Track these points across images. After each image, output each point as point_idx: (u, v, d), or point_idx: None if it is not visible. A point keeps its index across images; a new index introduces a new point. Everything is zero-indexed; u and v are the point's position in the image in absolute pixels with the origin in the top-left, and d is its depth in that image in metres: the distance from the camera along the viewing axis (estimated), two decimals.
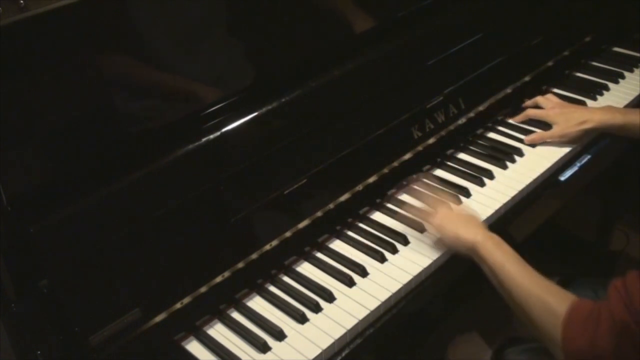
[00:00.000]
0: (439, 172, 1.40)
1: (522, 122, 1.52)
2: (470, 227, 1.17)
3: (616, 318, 0.94)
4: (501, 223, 1.30)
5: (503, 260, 1.11)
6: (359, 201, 1.30)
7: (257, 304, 1.14)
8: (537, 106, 1.54)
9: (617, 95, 1.62)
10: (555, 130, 1.45)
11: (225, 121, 1.13)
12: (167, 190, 1.06)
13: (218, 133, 1.11)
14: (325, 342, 1.05)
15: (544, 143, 1.46)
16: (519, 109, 1.55)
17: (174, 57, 1.10)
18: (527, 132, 1.49)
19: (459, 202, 1.30)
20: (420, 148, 1.38)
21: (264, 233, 1.16)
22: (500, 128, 1.52)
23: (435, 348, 1.61)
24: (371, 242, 1.24)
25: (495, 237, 1.15)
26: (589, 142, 1.48)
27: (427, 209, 1.25)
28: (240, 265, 1.13)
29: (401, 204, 1.32)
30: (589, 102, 1.59)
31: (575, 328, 0.98)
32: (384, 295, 1.12)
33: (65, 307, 0.96)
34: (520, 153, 1.43)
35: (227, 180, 1.12)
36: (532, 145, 1.45)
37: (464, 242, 1.16)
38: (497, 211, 1.29)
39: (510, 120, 1.54)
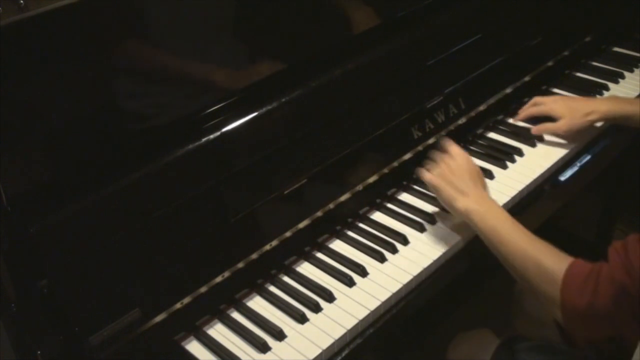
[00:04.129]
0: None
1: (525, 120, 1.50)
2: (464, 188, 1.19)
3: (616, 280, 0.95)
4: None
5: (495, 223, 1.12)
6: (359, 201, 1.30)
7: (257, 304, 1.14)
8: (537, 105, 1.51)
9: (617, 95, 1.62)
10: (562, 123, 1.42)
11: (225, 121, 1.13)
12: (167, 190, 1.06)
13: (218, 133, 1.11)
14: (325, 342, 1.05)
15: (544, 142, 1.46)
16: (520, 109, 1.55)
17: (174, 57, 1.10)
18: (528, 132, 1.49)
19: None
20: (420, 148, 1.38)
21: (264, 233, 1.16)
22: (501, 128, 1.53)
23: (435, 348, 1.61)
24: (371, 242, 1.24)
25: (487, 199, 1.18)
26: (589, 142, 1.48)
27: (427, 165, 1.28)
28: (240, 265, 1.13)
29: (402, 203, 1.32)
30: None
31: (574, 288, 0.99)
32: (384, 295, 1.12)
33: (65, 307, 0.96)
34: (520, 153, 1.43)
35: (227, 180, 1.12)
36: (534, 143, 1.45)
37: (456, 208, 1.18)
38: None
39: (511, 120, 1.54)
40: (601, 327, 0.99)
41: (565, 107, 1.43)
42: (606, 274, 0.96)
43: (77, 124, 1.01)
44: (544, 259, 1.05)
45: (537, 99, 1.51)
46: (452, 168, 1.23)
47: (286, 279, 1.18)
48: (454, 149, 1.28)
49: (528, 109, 1.49)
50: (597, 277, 0.97)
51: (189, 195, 1.07)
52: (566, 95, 1.53)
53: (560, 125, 1.43)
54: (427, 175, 1.25)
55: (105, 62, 1.02)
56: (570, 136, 1.44)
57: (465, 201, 1.17)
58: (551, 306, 1.04)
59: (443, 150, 1.29)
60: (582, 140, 1.46)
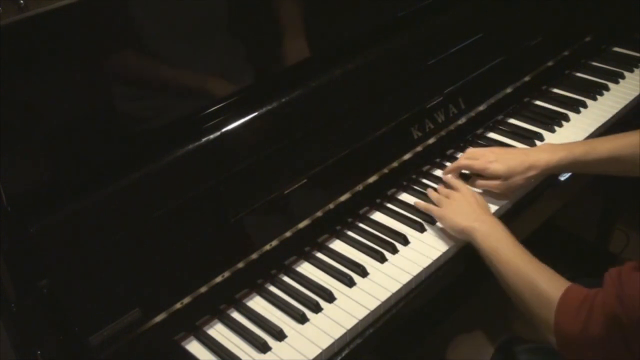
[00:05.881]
0: (439, 173, 1.40)
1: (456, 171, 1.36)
2: (469, 214, 1.19)
3: (608, 308, 0.93)
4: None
5: (497, 244, 1.12)
6: (359, 201, 1.30)
7: (257, 304, 1.14)
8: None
9: (617, 95, 1.62)
10: (498, 185, 1.29)
11: (225, 121, 1.13)
12: (167, 190, 1.06)
13: (218, 133, 1.11)
14: (325, 342, 1.05)
15: (544, 142, 1.46)
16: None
17: (174, 57, 1.10)
18: (528, 132, 1.49)
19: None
20: (420, 148, 1.38)
21: (264, 233, 1.16)
22: (501, 128, 1.53)
23: (435, 348, 1.61)
24: (371, 242, 1.24)
25: (492, 221, 1.17)
26: None
27: (434, 197, 1.28)
28: (240, 265, 1.13)
29: (402, 203, 1.32)
30: (589, 102, 1.59)
31: (568, 314, 0.98)
32: (384, 295, 1.12)
33: (65, 307, 0.96)
34: None
35: (227, 180, 1.12)
36: (534, 144, 1.45)
37: (462, 228, 1.18)
38: (497, 211, 1.29)
39: (511, 120, 1.54)
40: (593, 354, 0.97)
41: (504, 167, 1.28)
42: (600, 302, 0.95)
43: (77, 124, 1.01)
44: (540, 282, 1.04)
45: (470, 151, 1.35)
46: (455, 197, 1.25)
47: (286, 279, 1.18)
48: (456, 182, 1.31)
49: (461, 162, 1.34)
50: (591, 303, 0.96)
51: (189, 195, 1.07)
52: (502, 148, 1.39)
53: (496, 187, 1.29)
54: (434, 208, 1.26)
55: (105, 62, 1.02)
56: (506, 195, 1.31)
57: (469, 221, 1.18)
58: (544, 330, 1.03)
59: (446, 185, 1.32)
60: (520, 194, 1.34)
